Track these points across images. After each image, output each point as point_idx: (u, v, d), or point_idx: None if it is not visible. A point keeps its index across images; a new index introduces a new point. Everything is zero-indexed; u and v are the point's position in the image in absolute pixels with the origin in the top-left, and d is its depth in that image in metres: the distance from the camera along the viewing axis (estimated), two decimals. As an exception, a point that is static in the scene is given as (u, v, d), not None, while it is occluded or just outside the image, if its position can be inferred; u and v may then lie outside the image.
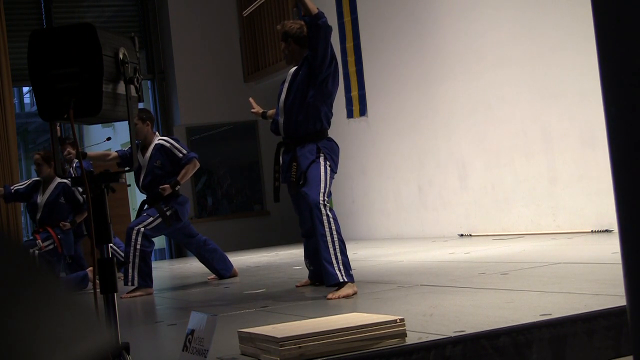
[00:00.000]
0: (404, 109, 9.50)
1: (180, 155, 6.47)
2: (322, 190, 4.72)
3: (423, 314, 3.43)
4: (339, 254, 4.63)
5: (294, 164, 4.85)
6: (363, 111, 10.16)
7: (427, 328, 3.02)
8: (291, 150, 4.93)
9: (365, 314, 3.08)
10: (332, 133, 5.13)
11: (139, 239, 6.19)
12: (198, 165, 6.57)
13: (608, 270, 4.17)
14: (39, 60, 2.61)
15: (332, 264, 4.60)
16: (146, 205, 6.44)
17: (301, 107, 4.90)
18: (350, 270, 4.68)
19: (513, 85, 7.92)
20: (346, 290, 4.55)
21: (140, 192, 6.60)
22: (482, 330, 2.87)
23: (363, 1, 10.00)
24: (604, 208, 6.85)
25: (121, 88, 2.68)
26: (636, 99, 1.91)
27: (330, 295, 4.54)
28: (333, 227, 4.67)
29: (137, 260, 6.16)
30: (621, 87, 1.95)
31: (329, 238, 4.64)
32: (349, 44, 10.25)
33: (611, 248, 4.99)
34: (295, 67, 5.04)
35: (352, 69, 10.24)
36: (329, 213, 4.69)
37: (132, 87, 2.70)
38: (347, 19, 10.23)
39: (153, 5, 12.50)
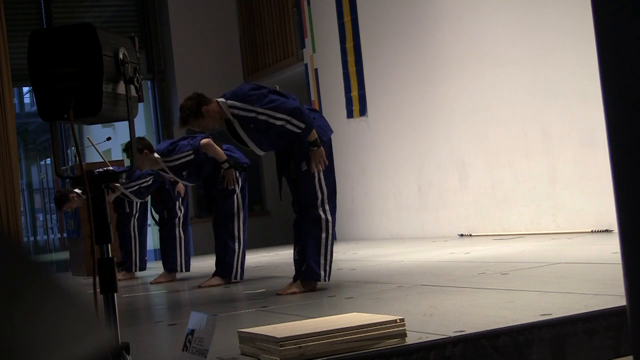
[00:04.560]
0: (404, 109, 9.50)
1: (192, 156, 6.18)
2: (319, 200, 4.87)
3: (423, 314, 3.43)
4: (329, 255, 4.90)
5: (292, 159, 4.96)
6: (363, 111, 10.15)
7: (427, 328, 3.02)
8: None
9: (365, 314, 3.08)
10: (332, 133, 5.13)
11: (242, 235, 6.27)
12: (212, 142, 6.20)
13: (608, 270, 4.17)
14: (39, 60, 2.61)
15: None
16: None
17: (270, 139, 4.96)
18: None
19: (513, 85, 7.92)
20: (293, 288, 4.86)
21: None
22: (482, 330, 2.87)
23: (363, 1, 10.00)
24: (604, 208, 6.85)
25: (121, 88, 2.68)
26: (636, 99, 1.91)
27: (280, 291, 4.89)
28: (330, 232, 4.91)
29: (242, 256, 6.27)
30: (621, 87, 1.95)
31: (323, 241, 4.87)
32: (349, 44, 10.24)
33: (611, 248, 4.99)
34: (227, 125, 5.11)
35: (352, 69, 10.23)
36: (328, 217, 4.89)
37: (132, 87, 2.70)
38: (347, 19, 10.23)
39: (153, 5, 12.50)
